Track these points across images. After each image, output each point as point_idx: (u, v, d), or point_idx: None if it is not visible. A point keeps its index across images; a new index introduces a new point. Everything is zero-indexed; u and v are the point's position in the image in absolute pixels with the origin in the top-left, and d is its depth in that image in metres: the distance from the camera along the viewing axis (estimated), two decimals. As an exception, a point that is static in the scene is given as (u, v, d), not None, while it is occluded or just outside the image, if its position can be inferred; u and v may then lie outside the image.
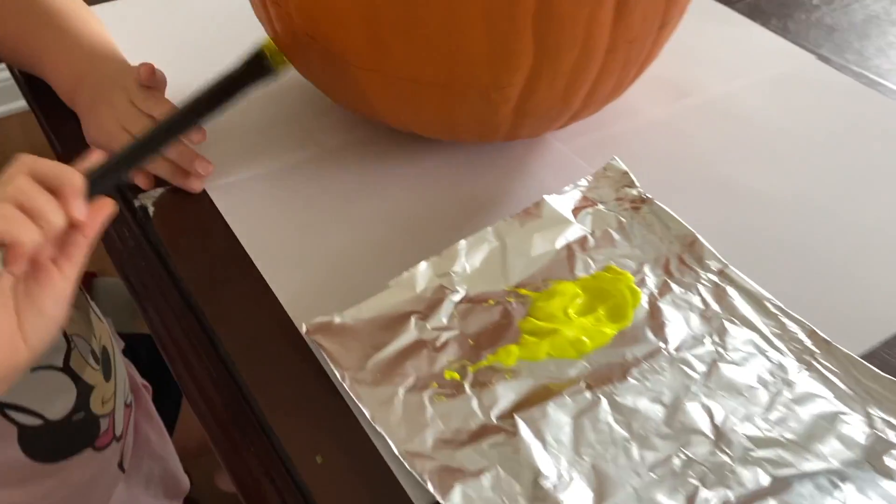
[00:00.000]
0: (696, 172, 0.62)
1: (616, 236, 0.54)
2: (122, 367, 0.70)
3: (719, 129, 0.66)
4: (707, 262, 0.53)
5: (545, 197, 0.54)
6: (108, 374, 0.64)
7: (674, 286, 0.51)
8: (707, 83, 0.71)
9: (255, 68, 0.53)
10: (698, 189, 0.60)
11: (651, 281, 0.51)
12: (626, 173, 0.57)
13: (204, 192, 0.57)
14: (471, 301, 0.49)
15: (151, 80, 0.57)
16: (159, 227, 0.54)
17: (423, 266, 0.50)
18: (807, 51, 0.76)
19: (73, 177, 0.41)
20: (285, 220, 0.56)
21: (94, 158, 0.45)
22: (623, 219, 0.55)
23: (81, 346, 0.60)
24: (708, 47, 0.75)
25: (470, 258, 0.51)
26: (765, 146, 0.64)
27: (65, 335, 0.58)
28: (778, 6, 0.83)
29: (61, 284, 0.42)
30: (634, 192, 0.56)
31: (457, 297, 0.49)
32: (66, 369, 0.58)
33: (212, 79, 0.53)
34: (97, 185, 0.44)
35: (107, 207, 0.44)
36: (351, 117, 0.64)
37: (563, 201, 0.55)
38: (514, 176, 0.60)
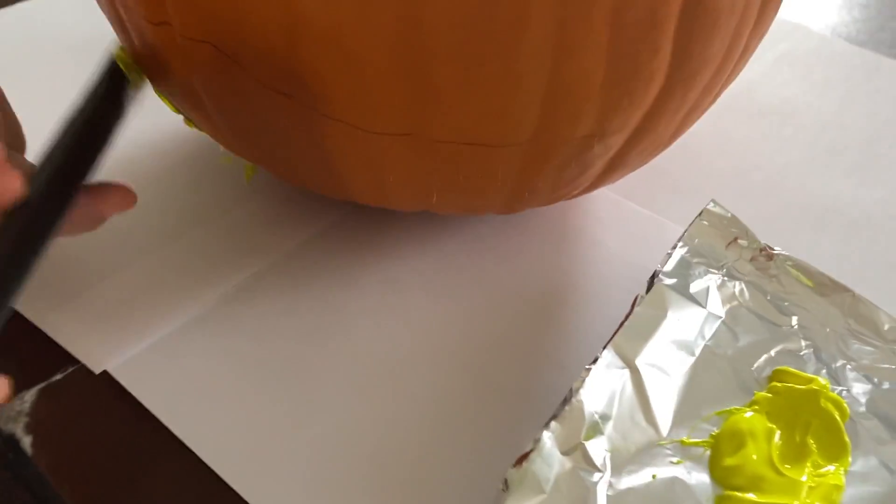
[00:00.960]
0: (776, 194, 0.47)
1: (757, 316, 0.37)
2: None
3: (764, 130, 0.51)
4: (882, 326, 0.38)
5: (659, 282, 0.36)
6: None
7: (866, 378, 0.36)
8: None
9: (114, 89, 0.33)
10: (791, 216, 0.45)
11: (836, 374, 0.35)
12: (733, 219, 0.40)
13: (105, 377, 0.33)
14: (627, 482, 0.31)
15: None
16: (45, 464, 0.30)
17: (544, 442, 0.30)
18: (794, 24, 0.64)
19: None
20: (254, 394, 0.34)
21: None
22: (754, 287, 0.38)
23: None
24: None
25: (599, 407, 0.32)
26: (826, 145, 0.51)
27: None
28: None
29: None
30: (752, 244, 0.40)
31: (605, 482, 0.30)
32: None
33: (65, 120, 0.31)
34: None
35: None
36: (308, 198, 0.42)
37: (674, 280, 0.37)
38: (563, 244, 0.42)
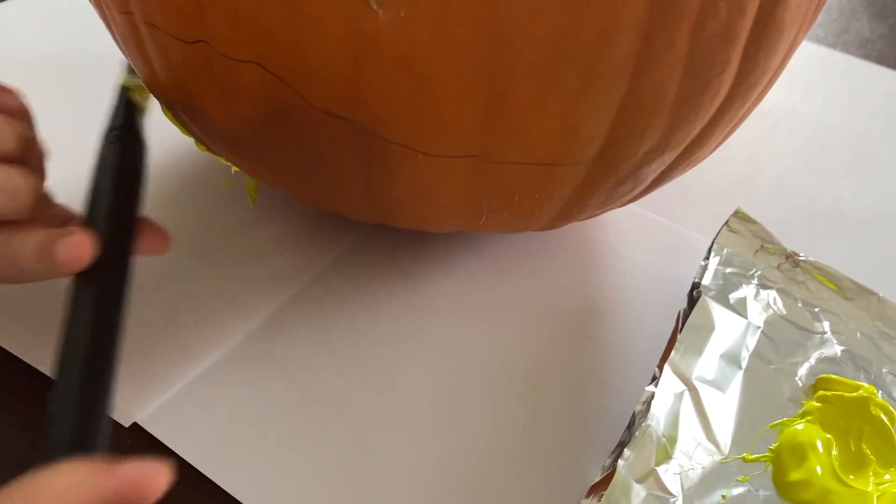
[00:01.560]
0: (782, 198, 0.47)
1: (792, 324, 0.37)
2: None
3: (757, 135, 0.52)
4: (910, 328, 0.38)
5: (701, 297, 0.36)
6: None
7: (902, 379, 0.36)
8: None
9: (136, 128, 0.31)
10: (801, 219, 0.46)
11: (876, 379, 0.36)
12: (758, 226, 0.40)
13: (135, 429, 0.30)
14: (702, 505, 0.30)
15: None
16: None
17: (620, 471, 0.29)
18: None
19: None
20: (294, 436, 0.31)
21: None
22: (786, 294, 0.38)
23: None
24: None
25: (666, 429, 0.31)
26: (819, 147, 0.52)
27: None
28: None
29: None
30: (778, 250, 0.40)
31: (681, 506, 0.29)
32: None
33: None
34: None
35: None
36: (320, 219, 0.40)
37: (713, 292, 0.37)
38: (589, 258, 0.41)
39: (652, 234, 0.43)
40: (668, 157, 0.31)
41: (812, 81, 0.58)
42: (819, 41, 0.65)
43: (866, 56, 0.63)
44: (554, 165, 0.28)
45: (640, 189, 0.33)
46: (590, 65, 0.25)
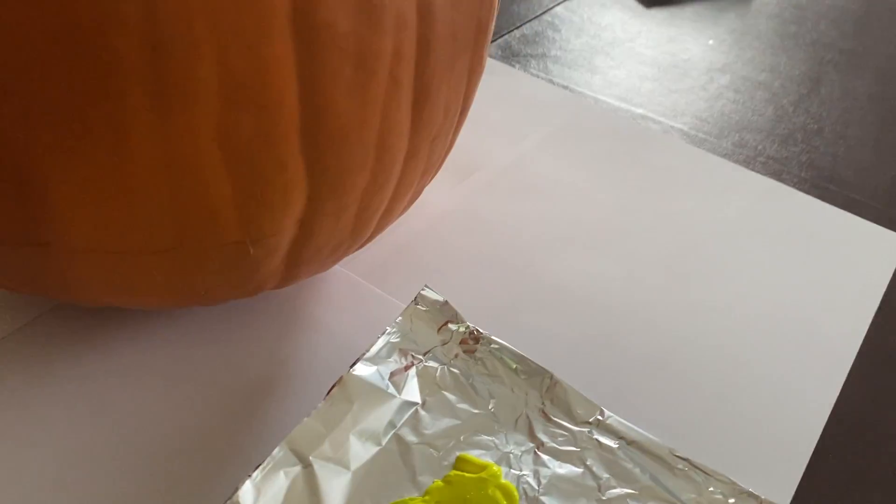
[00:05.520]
0: (513, 273, 0.49)
1: (455, 401, 0.39)
2: None
3: (517, 208, 0.54)
4: (576, 410, 0.40)
5: (353, 371, 0.37)
6: None
7: (549, 461, 0.37)
8: (493, 150, 0.59)
9: None
10: (522, 299, 0.47)
11: (518, 460, 0.37)
12: (445, 304, 0.42)
13: None
14: (280, 582, 0.31)
15: None
16: None
17: (189, 549, 0.30)
18: (575, 93, 0.67)
19: None
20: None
21: None
22: (457, 371, 0.40)
23: None
24: (478, 106, 0.63)
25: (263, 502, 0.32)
26: (572, 220, 0.53)
27: None
28: (529, 44, 0.74)
29: None
30: (461, 328, 0.42)
31: (257, 583, 0.31)
32: None
33: None
34: None
35: None
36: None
37: (374, 368, 0.38)
38: (287, 329, 0.42)
39: (361, 302, 0.44)
40: (276, 244, 0.33)
41: (598, 151, 0.60)
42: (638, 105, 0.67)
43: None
44: (127, 253, 0.30)
45: (270, 269, 0.35)
46: (117, 167, 0.27)
